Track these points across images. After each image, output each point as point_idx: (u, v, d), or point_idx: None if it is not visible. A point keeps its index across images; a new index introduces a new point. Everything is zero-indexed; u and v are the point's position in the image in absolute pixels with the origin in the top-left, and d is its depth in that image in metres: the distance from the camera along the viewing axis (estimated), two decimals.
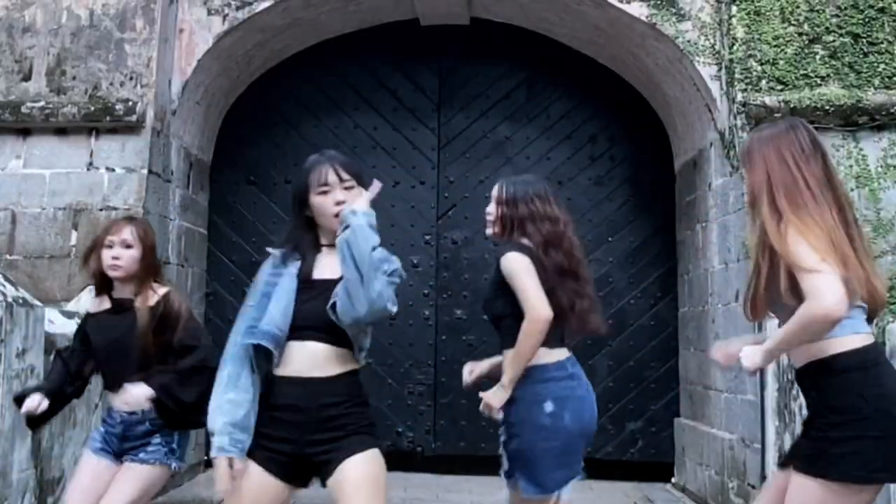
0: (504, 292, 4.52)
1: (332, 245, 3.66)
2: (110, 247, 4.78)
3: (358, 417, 3.58)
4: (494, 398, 4.46)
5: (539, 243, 4.59)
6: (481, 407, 4.55)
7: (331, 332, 3.57)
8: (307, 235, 3.76)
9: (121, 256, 4.75)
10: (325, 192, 3.68)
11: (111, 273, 4.78)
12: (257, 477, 3.57)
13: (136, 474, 4.64)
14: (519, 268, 4.44)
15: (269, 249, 3.86)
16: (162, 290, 4.83)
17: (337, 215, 3.61)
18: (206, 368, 4.42)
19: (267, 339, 3.58)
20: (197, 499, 8.94)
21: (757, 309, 3.56)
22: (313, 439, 3.53)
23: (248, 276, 10.47)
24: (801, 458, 3.45)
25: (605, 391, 10.44)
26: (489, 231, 4.81)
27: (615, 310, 10.50)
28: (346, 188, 3.67)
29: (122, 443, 4.71)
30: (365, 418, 3.62)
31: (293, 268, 3.68)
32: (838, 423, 3.39)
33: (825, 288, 3.26)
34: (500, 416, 4.50)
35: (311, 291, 3.63)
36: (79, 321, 5.17)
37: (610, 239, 10.68)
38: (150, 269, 4.85)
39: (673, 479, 10.10)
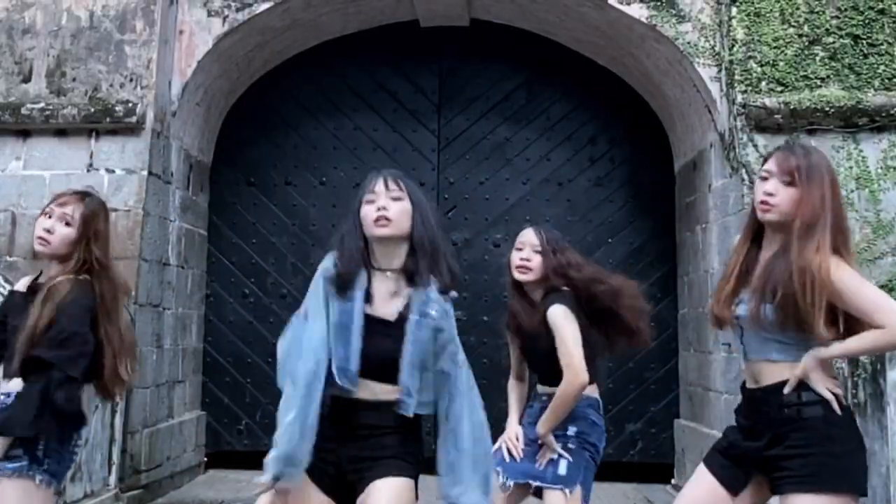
0: (551, 337, 4.77)
1: (385, 270, 3.62)
2: (48, 216, 4.16)
3: (400, 443, 3.55)
4: (552, 447, 4.77)
5: (578, 289, 4.91)
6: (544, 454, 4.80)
7: (391, 375, 3.53)
8: (361, 258, 3.61)
9: (53, 231, 4.12)
10: (370, 202, 3.61)
11: (36, 246, 4.16)
12: (304, 487, 3.53)
13: (5, 494, 3.94)
14: (566, 326, 4.73)
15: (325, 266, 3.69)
16: (64, 277, 4.11)
17: (376, 220, 3.54)
18: (38, 370, 3.90)
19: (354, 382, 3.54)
20: (196, 500, 8.94)
21: (805, 324, 3.50)
22: (355, 455, 3.51)
23: (247, 277, 10.53)
24: (802, 477, 3.43)
25: (605, 393, 10.33)
26: (522, 277, 4.93)
27: None
28: (393, 198, 3.59)
29: None
30: (407, 445, 3.58)
31: (358, 301, 3.55)
32: (836, 437, 3.46)
33: None
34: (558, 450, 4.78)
35: (375, 330, 3.55)
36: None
37: (610, 240, 10.68)
38: (82, 257, 4.14)
39: (673, 481, 10.09)
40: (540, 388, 5.01)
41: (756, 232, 3.76)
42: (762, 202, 3.61)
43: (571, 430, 4.77)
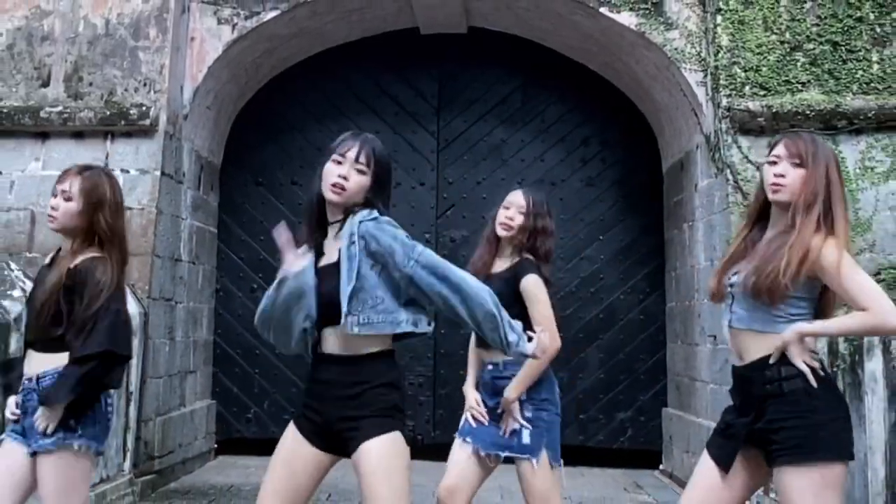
0: (520, 303, 4.73)
1: (336, 221, 3.64)
2: (55, 196, 4.17)
3: (380, 398, 3.49)
4: (515, 409, 4.68)
5: (542, 257, 4.92)
6: (507, 422, 4.70)
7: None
8: (316, 212, 3.69)
9: (57, 207, 4.12)
10: (337, 162, 3.60)
11: (48, 223, 4.18)
12: (293, 439, 3.60)
13: (44, 471, 3.91)
14: (541, 295, 4.75)
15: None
16: (85, 256, 4.06)
17: (334, 185, 3.56)
18: (88, 359, 3.86)
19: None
20: (207, 484, 8.95)
21: (775, 293, 3.54)
22: (340, 415, 3.50)
23: (255, 272, 10.54)
24: (789, 449, 3.46)
25: (597, 382, 10.46)
26: (504, 233, 4.95)
27: (605, 305, 10.53)
28: (357, 170, 3.58)
29: (24, 418, 4.00)
30: (387, 400, 3.51)
31: (308, 261, 3.64)
32: (818, 408, 3.49)
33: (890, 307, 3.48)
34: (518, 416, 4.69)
35: (324, 279, 3.59)
36: None
37: (601, 237, 10.69)
38: (90, 227, 4.12)
39: (661, 466, 10.11)
40: (485, 356, 4.93)
41: (760, 214, 3.84)
42: (773, 183, 3.68)
43: (523, 395, 4.70)
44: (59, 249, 4.24)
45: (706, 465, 3.74)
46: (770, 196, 3.71)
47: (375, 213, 3.56)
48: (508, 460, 4.75)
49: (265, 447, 10.14)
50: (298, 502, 3.59)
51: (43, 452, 3.91)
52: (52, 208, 4.14)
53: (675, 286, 10.09)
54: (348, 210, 3.60)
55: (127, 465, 8.00)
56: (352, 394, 3.51)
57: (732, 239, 3.98)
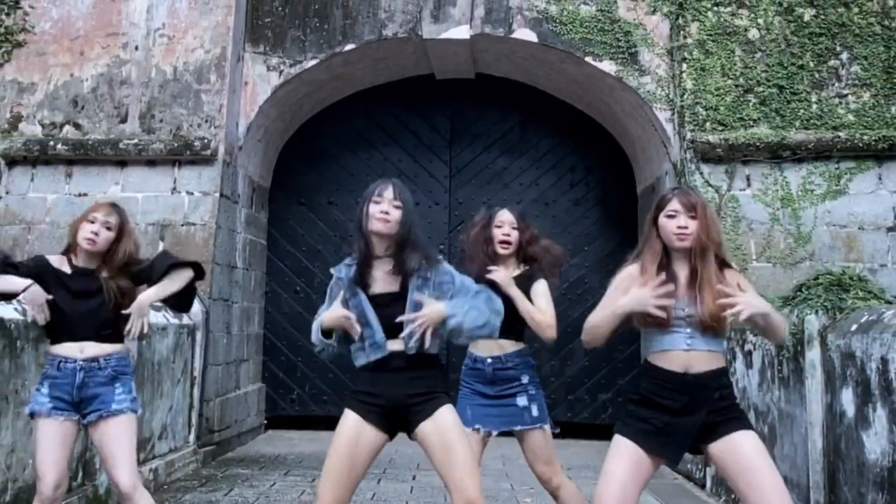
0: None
1: (381, 256, 3.65)
2: (92, 222, 4.27)
3: (435, 381, 3.62)
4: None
5: (533, 260, 4.77)
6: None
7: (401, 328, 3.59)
8: (363, 248, 3.65)
9: (99, 234, 4.25)
10: (377, 202, 3.63)
11: (84, 245, 4.25)
12: (356, 423, 3.57)
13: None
14: (548, 294, 4.65)
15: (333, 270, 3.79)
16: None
17: (380, 218, 3.59)
18: None
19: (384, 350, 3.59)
20: (258, 454, 8.98)
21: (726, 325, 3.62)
22: (403, 395, 3.55)
23: (298, 277, 10.57)
24: (740, 421, 3.59)
25: (582, 369, 10.46)
26: (504, 251, 4.69)
27: (590, 304, 10.42)
28: (395, 206, 3.63)
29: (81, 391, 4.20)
30: (440, 383, 3.65)
31: (362, 296, 3.63)
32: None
33: None
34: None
35: (382, 304, 3.61)
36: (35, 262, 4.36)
37: (586, 248, 10.70)
38: (121, 252, 4.32)
39: None
40: (481, 351, 4.64)
41: (662, 256, 3.74)
42: (680, 234, 3.63)
43: (525, 378, 4.58)
44: (69, 260, 4.39)
45: (630, 457, 3.58)
46: (678, 244, 3.64)
47: (439, 265, 3.72)
48: (503, 434, 4.69)
49: (306, 423, 10.28)
50: (357, 479, 3.60)
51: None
52: (94, 233, 4.29)
53: None
54: (397, 256, 3.63)
55: (191, 437, 8.05)
56: (415, 377, 3.60)
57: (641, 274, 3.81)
